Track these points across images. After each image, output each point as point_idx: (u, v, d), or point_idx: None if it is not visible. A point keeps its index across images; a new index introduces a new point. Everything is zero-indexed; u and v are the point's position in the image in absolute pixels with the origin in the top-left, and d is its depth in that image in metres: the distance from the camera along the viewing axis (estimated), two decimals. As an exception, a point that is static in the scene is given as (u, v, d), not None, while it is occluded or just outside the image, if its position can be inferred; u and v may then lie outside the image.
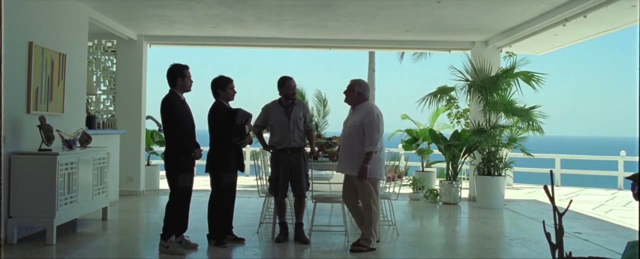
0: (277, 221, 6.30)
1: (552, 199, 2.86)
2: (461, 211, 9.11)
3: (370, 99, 6.05)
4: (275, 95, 6.52)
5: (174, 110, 5.53)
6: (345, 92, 6.02)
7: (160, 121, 7.83)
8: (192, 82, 5.76)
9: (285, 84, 6.24)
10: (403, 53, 18.99)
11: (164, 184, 7.40)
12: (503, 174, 9.48)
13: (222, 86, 6.07)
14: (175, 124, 5.52)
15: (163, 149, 7.44)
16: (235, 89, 6.17)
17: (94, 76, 9.79)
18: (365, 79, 17.63)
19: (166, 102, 5.57)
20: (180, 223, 5.68)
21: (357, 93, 5.94)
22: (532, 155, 10.04)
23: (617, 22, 8.31)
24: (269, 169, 6.45)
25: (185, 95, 5.78)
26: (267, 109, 6.34)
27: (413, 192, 10.25)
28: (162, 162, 9.18)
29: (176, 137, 5.53)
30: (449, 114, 13.53)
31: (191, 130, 5.69)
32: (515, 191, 11.91)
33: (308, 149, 6.49)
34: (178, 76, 5.64)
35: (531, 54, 11.32)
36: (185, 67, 5.71)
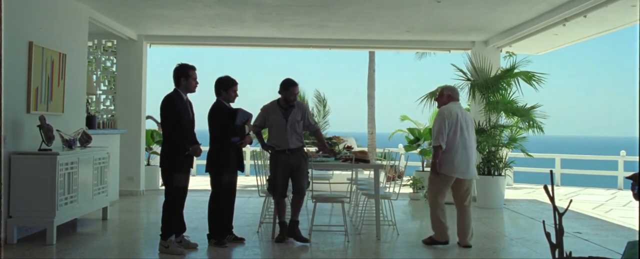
0: (277, 220, 6.31)
1: (552, 199, 2.86)
2: (461, 211, 9.09)
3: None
4: (274, 95, 6.51)
5: (173, 108, 5.53)
6: (436, 100, 6.52)
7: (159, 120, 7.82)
8: (197, 83, 5.75)
9: (289, 88, 6.24)
10: (422, 54, 18.78)
11: (163, 184, 7.40)
12: (503, 174, 9.48)
13: (226, 87, 6.06)
14: (172, 122, 5.52)
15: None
16: (238, 92, 6.17)
17: (94, 76, 9.79)
18: (365, 79, 17.64)
19: (167, 100, 5.58)
20: (177, 222, 5.68)
21: (447, 96, 6.32)
22: (531, 155, 10.03)
23: (617, 22, 8.32)
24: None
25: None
26: (266, 110, 6.35)
27: (413, 192, 10.25)
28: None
29: (172, 135, 5.53)
30: (449, 114, 13.49)
31: (188, 130, 5.69)
32: (515, 191, 11.91)
33: (307, 149, 6.49)
34: (182, 75, 5.64)
35: (531, 54, 11.31)
36: (191, 68, 5.69)
